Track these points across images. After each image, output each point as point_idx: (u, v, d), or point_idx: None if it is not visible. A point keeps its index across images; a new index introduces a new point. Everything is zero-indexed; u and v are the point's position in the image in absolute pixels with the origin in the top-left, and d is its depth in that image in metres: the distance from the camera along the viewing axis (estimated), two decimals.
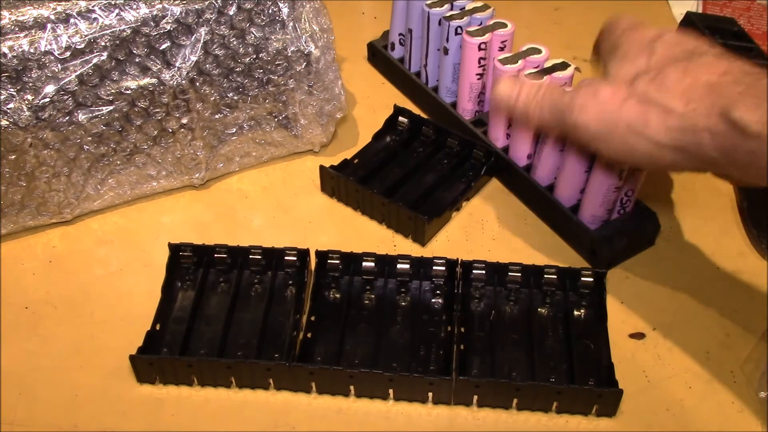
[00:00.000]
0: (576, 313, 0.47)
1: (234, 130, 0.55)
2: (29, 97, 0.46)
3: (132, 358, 0.43)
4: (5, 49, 0.45)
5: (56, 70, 0.47)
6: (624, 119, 0.40)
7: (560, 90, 0.44)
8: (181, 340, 0.45)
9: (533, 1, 0.77)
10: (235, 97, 0.53)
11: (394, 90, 0.66)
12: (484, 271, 0.48)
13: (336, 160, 0.57)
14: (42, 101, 0.47)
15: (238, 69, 0.51)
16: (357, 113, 0.63)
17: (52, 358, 0.46)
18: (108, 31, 0.47)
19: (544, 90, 0.45)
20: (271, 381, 0.44)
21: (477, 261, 0.48)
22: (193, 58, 0.49)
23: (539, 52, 0.53)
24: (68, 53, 0.46)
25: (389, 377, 0.43)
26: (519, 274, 0.48)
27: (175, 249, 0.49)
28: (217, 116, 0.53)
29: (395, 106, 0.60)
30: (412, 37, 0.61)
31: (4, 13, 0.46)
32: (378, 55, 0.67)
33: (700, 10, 0.74)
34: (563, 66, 0.51)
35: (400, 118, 0.60)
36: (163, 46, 0.49)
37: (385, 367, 0.44)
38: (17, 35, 0.46)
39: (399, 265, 0.48)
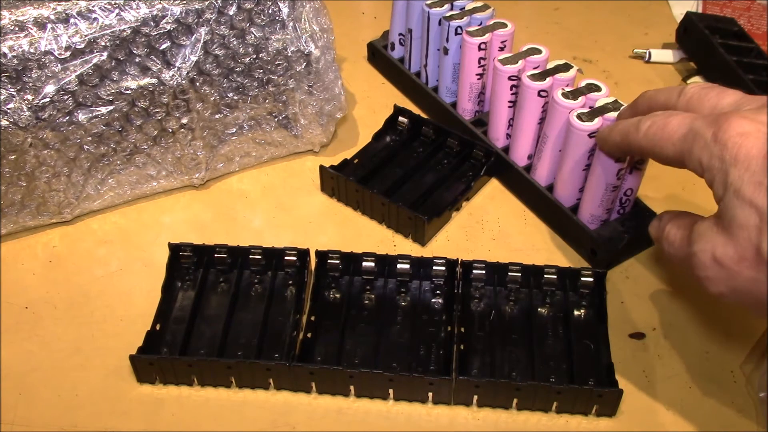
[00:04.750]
0: (576, 313, 0.47)
1: (234, 130, 0.55)
2: (29, 97, 0.46)
3: (132, 358, 0.43)
4: (5, 49, 0.45)
5: (56, 70, 0.47)
6: (763, 292, 0.34)
7: (682, 246, 0.38)
8: (181, 340, 0.45)
9: (533, 1, 0.77)
10: (235, 97, 0.53)
11: (394, 90, 0.66)
12: (484, 271, 0.48)
13: (336, 160, 0.57)
14: (42, 101, 0.47)
15: (238, 69, 0.51)
16: (357, 113, 0.63)
17: (52, 358, 0.46)
18: (108, 31, 0.47)
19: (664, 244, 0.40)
20: (271, 381, 0.44)
21: (477, 261, 0.48)
22: (193, 58, 0.49)
23: (539, 52, 0.53)
24: (68, 53, 0.46)
25: (389, 377, 0.43)
26: (519, 274, 0.48)
27: (175, 249, 0.49)
28: (217, 116, 0.53)
29: (395, 106, 0.60)
30: (412, 37, 0.61)
31: (4, 13, 0.45)
32: (378, 55, 0.67)
33: (700, 10, 0.74)
34: (566, 67, 0.51)
35: (400, 118, 0.60)
36: (163, 46, 0.49)
37: (385, 367, 0.44)
38: (17, 35, 0.46)
39: (399, 265, 0.48)
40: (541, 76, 0.50)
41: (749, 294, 0.35)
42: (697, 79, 0.65)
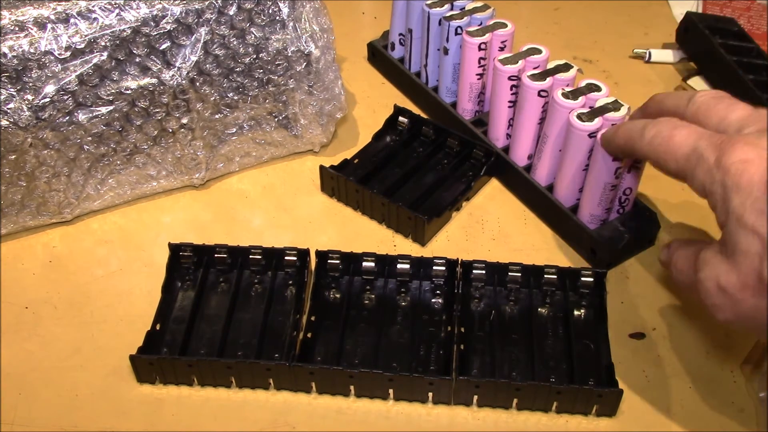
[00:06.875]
0: (576, 313, 0.47)
1: (234, 130, 0.55)
2: (29, 97, 0.46)
3: (132, 358, 0.43)
4: (5, 49, 0.45)
5: (56, 70, 0.47)
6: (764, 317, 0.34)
7: (689, 274, 0.38)
8: (181, 340, 0.45)
9: (533, 1, 0.77)
10: (235, 97, 0.53)
11: (394, 90, 0.66)
12: (484, 271, 0.48)
13: (336, 160, 0.57)
14: (42, 101, 0.47)
15: (238, 69, 0.51)
16: (357, 113, 0.63)
17: (52, 358, 0.46)
18: (108, 31, 0.47)
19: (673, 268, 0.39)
20: (271, 381, 0.44)
21: (477, 261, 0.48)
22: (193, 58, 0.49)
23: (539, 52, 0.53)
24: (68, 53, 0.46)
25: (389, 377, 0.43)
26: (519, 274, 0.48)
27: (175, 249, 0.49)
28: (217, 116, 0.53)
29: (395, 106, 0.60)
30: (412, 37, 0.61)
31: (4, 13, 0.46)
32: (378, 55, 0.67)
33: (700, 10, 0.74)
34: (566, 67, 0.51)
35: (400, 118, 0.60)
36: (163, 46, 0.49)
37: (385, 367, 0.44)
38: (17, 35, 0.46)
39: (399, 265, 0.48)
40: (541, 76, 0.50)
41: (753, 321, 0.34)
42: (697, 79, 0.65)
